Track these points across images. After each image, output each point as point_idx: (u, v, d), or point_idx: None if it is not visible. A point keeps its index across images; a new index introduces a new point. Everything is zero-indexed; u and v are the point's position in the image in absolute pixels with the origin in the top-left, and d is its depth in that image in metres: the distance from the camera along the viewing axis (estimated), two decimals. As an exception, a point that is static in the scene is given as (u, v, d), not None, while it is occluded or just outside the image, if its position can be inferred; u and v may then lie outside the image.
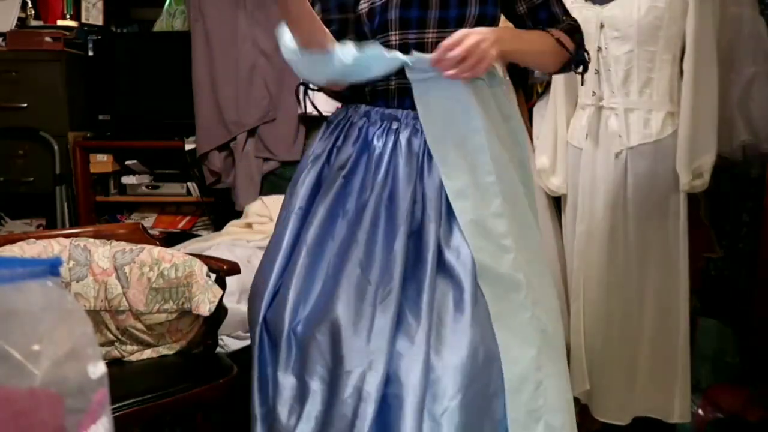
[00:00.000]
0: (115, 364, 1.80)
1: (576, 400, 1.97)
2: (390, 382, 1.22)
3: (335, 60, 1.29)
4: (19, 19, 3.35)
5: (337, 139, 1.43)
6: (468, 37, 1.24)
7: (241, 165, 3.25)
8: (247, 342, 2.19)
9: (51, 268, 0.62)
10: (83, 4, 3.48)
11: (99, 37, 3.43)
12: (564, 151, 2.27)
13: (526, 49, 1.39)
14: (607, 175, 2.10)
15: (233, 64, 3.22)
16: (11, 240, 1.82)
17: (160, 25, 3.50)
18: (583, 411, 2.17)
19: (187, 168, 3.38)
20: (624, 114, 2.06)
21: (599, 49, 2.08)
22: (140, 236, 1.99)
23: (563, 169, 2.27)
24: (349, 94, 1.46)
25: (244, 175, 3.25)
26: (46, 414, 0.59)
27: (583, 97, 2.20)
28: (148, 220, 3.45)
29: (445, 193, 1.33)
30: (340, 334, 1.26)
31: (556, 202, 2.46)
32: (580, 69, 1.48)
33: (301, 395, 1.28)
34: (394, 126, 1.39)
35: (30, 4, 3.40)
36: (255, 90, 3.22)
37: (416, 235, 1.33)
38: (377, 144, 1.38)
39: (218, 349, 1.95)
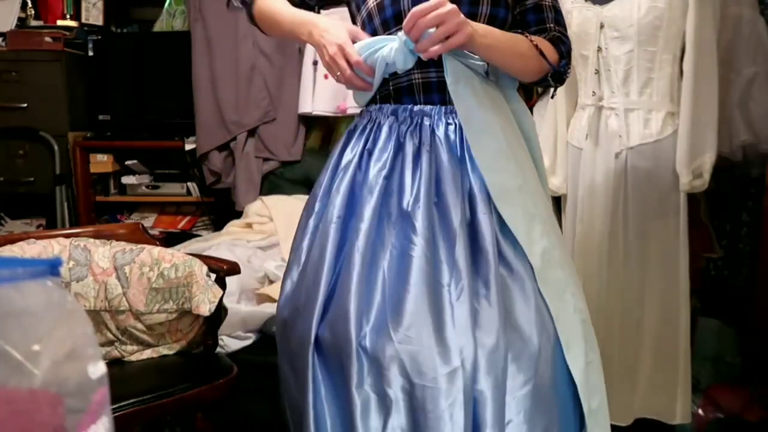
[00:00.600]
0: (115, 364, 1.80)
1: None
2: (477, 379, 1.21)
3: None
4: (19, 19, 3.35)
5: (366, 142, 1.39)
6: (442, 4, 1.17)
7: (241, 165, 3.25)
8: (248, 342, 2.20)
9: (51, 268, 0.62)
10: (83, 4, 3.49)
11: (99, 37, 3.44)
12: (564, 151, 2.27)
13: (496, 46, 1.30)
14: (607, 175, 2.10)
15: (233, 64, 3.22)
16: (11, 240, 1.82)
17: (160, 25, 3.50)
18: (583, 411, 2.17)
19: (187, 168, 3.39)
20: (624, 114, 2.06)
21: (599, 49, 2.08)
22: (140, 236, 1.99)
23: (563, 169, 2.27)
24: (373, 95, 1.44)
25: (244, 175, 3.25)
26: (46, 414, 0.59)
27: (583, 97, 2.20)
28: (148, 220, 3.46)
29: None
30: (422, 338, 1.21)
31: (556, 202, 2.46)
32: (557, 82, 1.43)
33: (383, 408, 1.22)
34: (427, 122, 1.36)
35: (30, 4, 3.41)
36: (255, 90, 3.22)
37: (471, 229, 1.30)
38: (414, 141, 1.35)
39: (218, 349, 1.95)
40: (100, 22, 3.51)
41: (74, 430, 0.60)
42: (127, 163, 3.43)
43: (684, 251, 2.06)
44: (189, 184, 3.42)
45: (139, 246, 1.85)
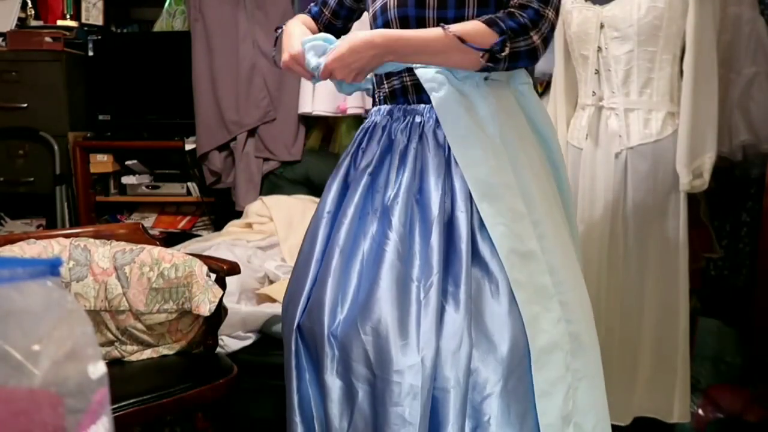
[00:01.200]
0: (115, 364, 1.80)
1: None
2: (437, 376, 1.22)
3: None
4: (19, 19, 3.35)
5: (361, 141, 1.45)
6: (335, 49, 1.27)
7: (241, 165, 3.25)
8: (248, 342, 2.20)
9: (51, 268, 0.62)
10: (83, 4, 3.49)
11: (99, 37, 3.44)
12: (564, 151, 2.26)
13: (409, 54, 1.29)
14: (607, 175, 2.10)
15: (233, 64, 3.22)
16: (11, 240, 1.82)
17: (160, 25, 3.50)
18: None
19: (187, 168, 3.39)
20: (624, 114, 2.06)
21: (599, 49, 2.08)
22: (140, 236, 1.99)
23: (563, 169, 2.27)
24: (373, 96, 1.51)
25: (244, 175, 3.25)
26: (46, 414, 0.59)
27: (583, 97, 2.20)
28: (148, 220, 3.46)
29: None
30: (388, 332, 1.24)
31: (556, 202, 2.46)
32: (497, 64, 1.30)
33: (349, 397, 1.27)
34: (418, 120, 1.39)
35: (30, 4, 3.41)
36: (255, 90, 3.22)
37: (449, 227, 1.31)
38: (401, 138, 1.39)
39: (218, 349, 1.95)
40: (100, 22, 3.52)
41: (74, 430, 0.60)
42: (127, 163, 3.44)
43: (684, 251, 2.06)
44: (189, 184, 3.42)
45: (139, 246, 1.85)
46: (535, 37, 1.28)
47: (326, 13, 1.58)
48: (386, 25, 1.39)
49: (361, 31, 1.31)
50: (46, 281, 0.61)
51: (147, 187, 3.45)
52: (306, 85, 3.10)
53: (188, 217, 3.48)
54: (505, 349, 1.24)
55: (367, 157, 1.41)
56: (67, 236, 1.88)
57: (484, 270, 1.30)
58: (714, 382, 2.38)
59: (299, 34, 1.39)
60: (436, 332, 1.23)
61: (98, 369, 0.62)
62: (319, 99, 3.08)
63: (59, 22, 3.40)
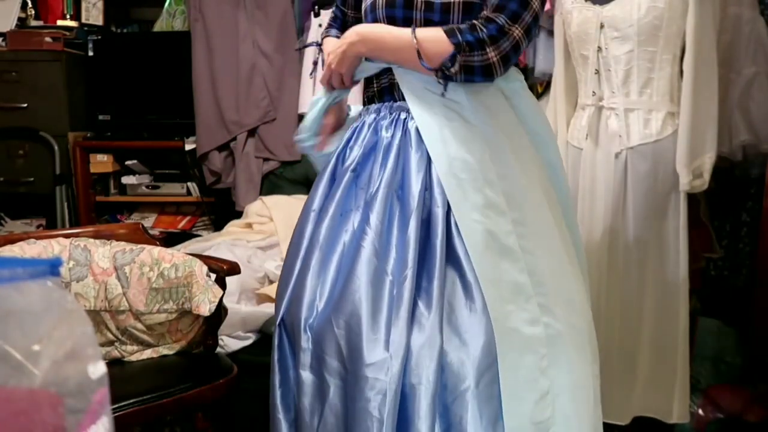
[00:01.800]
0: (115, 364, 1.80)
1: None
2: (406, 372, 1.21)
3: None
4: (19, 19, 3.35)
5: (349, 140, 1.46)
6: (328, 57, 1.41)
7: (241, 165, 3.25)
8: (248, 342, 2.20)
9: (51, 268, 0.62)
10: (83, 4, 3.49)
11: (99, 37, 3.44)
12: (564, 151, 2.26)
13: (380, 52, 1.37)
14: (607, 175, 2.10)
15: (233, 64, 3.22)
16: (11, 240, 1.82)
17: (160, 25, 3.50)
18: (583, 411, 2.17)
19: (187, 168, 3.39)
20: (624, 114, 2.06)
21: (599, 49, 2.08)
22: (140, 236, 1.99)
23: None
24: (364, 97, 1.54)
25: (244, 175, 3.25)
26: (46, 414, 0.59)
27: (583, 97, 2.20)
28: (148, 220, 3.46)
29: None
30: (360, 326, 1.24)
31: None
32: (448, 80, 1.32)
33: (321, 392, 1.27)
34: (402, 116, 1.40)
35: (30, 4, 3.41)
36: (255, 90, 3.22)
37: (426, 223, 1.32)
38: (386, 135, 1.40)
39: (218, 349, 1.95)
40: (100, 22, 3.52)
41: (74, 430, 0.60)
42: (127, 163, 3.43)
43: (684, 251, 2.06)
44: (189, 184, 3.42)
45: (139, 246, 1.85)
46: (492, 54, 1.27)
47: (349, 14, 1.60)
48: (375, 23, 1.42)
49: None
50: (46, 281, 0.61)
51: (147, 187, 3.45)
52: (306, 85, 3.10)
53: (188, 217, 3.48)
54: (477, 348, 1.23)
55: (352, 155, 1.42)
56: (67, 236, 1.88)
57: (459, 267, 1.29)
58: (714, 382, 2.38)
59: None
60: (408, 328, 1.23)
61: (98, 369, 0.62)
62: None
63: (59, 22, 3.40)
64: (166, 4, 3.49)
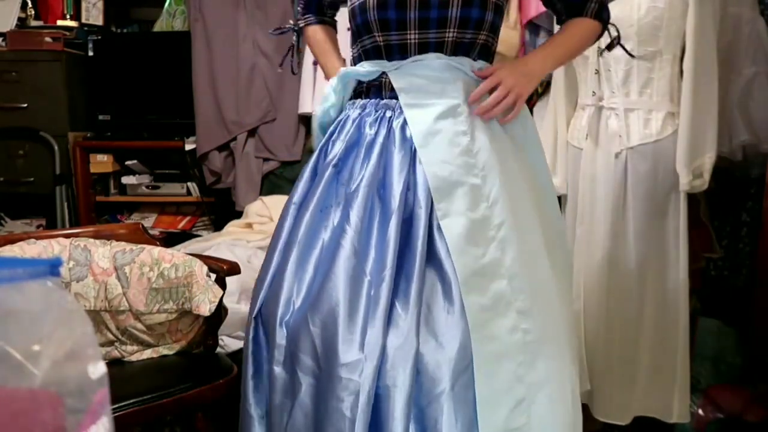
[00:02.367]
0: (115, 364, 1.80)
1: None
2: (381, 374, 1.21)
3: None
4: (19, 19, 3.35)
5: (332, 133, 1.46)
6: (505, 80, 1.34)
7: (241, 165, 3.25)
8: (247, 342, 2.20)
9: (51, 268, 0.62)
10: (83, 4, 3.49)
11: (99, 37, 3.44)
12: (564, 151, 2.27)
13: (558, 63, 1.53)
14: (607, 175, 2.10)
15: (233, 64, 3.22)
16: (11, 240, 1.82)
17: (160, 25, 3.50)
18: (583, 411, 2.17)
19: (187, 168, 3.38)
20: (624, 114, 2.06)
21: (599, 49, 2.08)
22: (140, 236, 1.99)
23: (563, 169, 2.27)
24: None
25: (244, 175, 3.25)
26: (46, 414, 0.59)
27: (583, 97, 2.20)
28: (148, 220, 3.45)
29: None
30: (336, 326, 1.24)
31: (556, 202, 2.46)
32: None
33: (292, 390, 1.27)
34: (388, 114, 1.40)
35: (30, 4, 3.41)
36: (255, 90, 3.22)
37: (407, 223, 1.31)
38: (369, 132, 1.39)
39: (218, 349, 1.95)
40: (100, 22, 3.51)
41: (74, 430, 0.60)
42: (127, 163, 3.43)
43: (684, 251, 2.06)
44: (189, 184, 3.42)
45: (139, 246, 1.85)
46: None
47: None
48: (365, 25, 1.39)
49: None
50: (46, 281, 0.61)
51: (147, 187, 3.45)
52: (306, 85, 3.10)
53: (188, 217, 3.48)
54: (453, 351, 1.22)
55: (334, 150, 1.42)
56: (67, 236, 1.88)
57: (439, 270, 1.28)
58: (714, 382, 2.38)
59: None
60: (384, 329, 1.22)
61: (98, 369, 0.62)
62: (319, 99, 3.07)
63: (59, 22, 3.40)
64: (166, 4, 3.49)
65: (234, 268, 1.90)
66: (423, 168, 1.32)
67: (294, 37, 1.68)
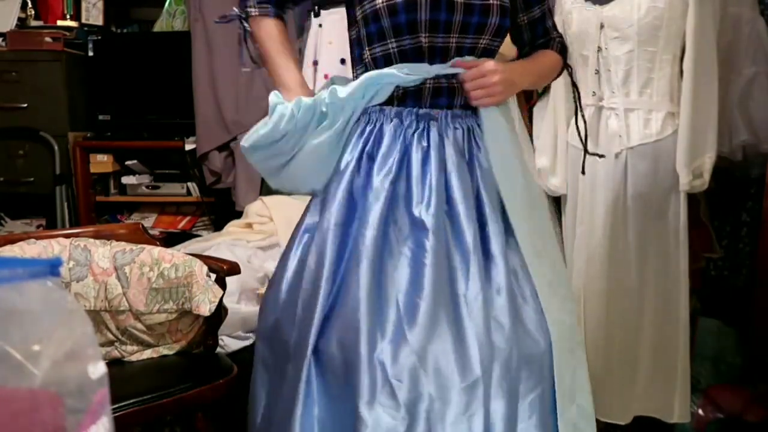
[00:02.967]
0: (115, 364, 1.80)
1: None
2: (491, 388, 1.23)
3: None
4: (19, 19, 3.35)
5: (365, 145, 1.34)
6: (494, 74, 1.32)
7: (241, 165, 3.25)
8: (248, 342, 2.20)
9: (51, 268, 0.62)
10: (83, 4, 3.49)
11: (99, 37, 3.44)
12: (564, 151, 2.27)
13: (532, 82, 1.53)
14: (607, 175, 2.10)
15: (233, 64, 3.21)
16: (11, 240, 1.82)
17: (160, 25, 3.50)
18: (583, 411, 2.17)
19: (187, 168, 3.38)
20: (624, 114, 2.06)
21: (599, 49, 2.08)
22: (140, 236, 1.99)
23: (563, 169, 2.27)
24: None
25: (244, 175, 3.25)
26: (46, 414, 0.59)
27: (583, 98, 2.19)
28: (148, 220, 3.45)
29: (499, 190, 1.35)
30: (442, 353, 1.19)
31: (556, 202, 2.46)
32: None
33: (399, 423, 1.16)
34: (434, 126, 1.34)
35: (30, 4, 3.41)
36: (255, 90, 3.22)
37: (481, 235, 1.30)
38: (422, 145, 1.32)
39: (218, 349, 1.95)
40: (100, 22, 3.51)
41: (74, 430, 0.60)
42: (127, 163, 3.43)
43: (684, 251, 2.06)
44: (189, 184, 3.42)
45: (139, 246, 1.85)
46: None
47: None
48: (410, 25, 1.30)
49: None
50: (46, 281, 0.61)
51: (147, 187, 3.45)
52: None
53: (188, 217, 3.48)
54: (542, 350, 1.28)
55: (383, 165, 1.30)
56: (67, 236, 1.88)
57: (515, 275, 1.32)
58: (714, 382, 2.38)
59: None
60: (490, 346, 1.22)
61: (98, 369, 0.62)
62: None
63: (59, 22, 3.40)
64: (166, 4, 3.49)
65: (234, 268, 1.90)
66: (480, 176, 1.34)
67: (240, 28, 1.50)
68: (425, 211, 1.27)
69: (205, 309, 1.75)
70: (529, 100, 2.67)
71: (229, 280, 1.92)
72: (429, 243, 1.25)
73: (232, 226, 2.93)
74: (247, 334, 2.21)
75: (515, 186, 1.34)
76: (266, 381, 1.38)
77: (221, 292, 1.80)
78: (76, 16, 3.48)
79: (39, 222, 3.44)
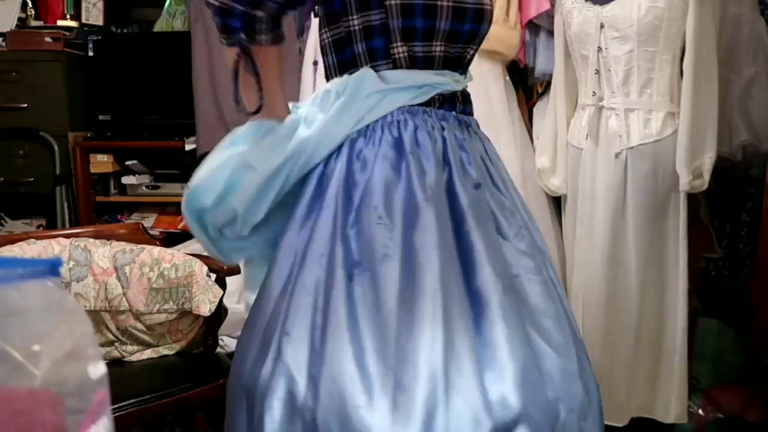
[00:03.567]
0: (115, 365, 1.80)
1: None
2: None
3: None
4: (19, 19, 3.35)
5: (408, 151, 1.20)
6: None
7: (241, 165, 3.25)
8: (247, 342, 2.19)
9: (51, 268, 0.62)
10: (83, 4, 3.49)
11: (99, 37, 3.43)
12: (564, 151, 2.27)
13: None
14: (607, 175, 2.10)
15: (233, 64, 3.22)
16: (11, 240, 1.82)
17: (160, 25, 3.50)
18: (583, 411, 2.17)
19: (187, 168, 3.38)
20: (624, 114, 2.06)
21: (599, 49, 2.08)
22: (140, 236, 1.99)
23: (563, 169, 2.27)
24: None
25: (244, 175, 3.24)
26: (46, 414, 0.59)
27: (583, 97, 2.20)
28: (149, 221, 3.45)
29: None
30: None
31: (556, 202, 2.46)
32: None
33: None
34: (462, 135, 1.24)
35: (30, 4, 3.41)
36: (255, 90, 3.22)
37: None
38: (457, 158, 1.21)
39: (218, 349, 1.95)
40: (100, 22, 3.51)
41: (74, 430, 0.60)
42: (127, 163, 3.43)
43: (684, 251, 2.06)
44: (189, 184, 3.41)
45: (140, 246, 1.85)
46: None
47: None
48: (430, 32, 1.18)
49: None
50: (46, 281, 0.61)
51: (147, 187, 3.44)
52: (306, 85, 3.10)
53: (188, 218, 3.47)
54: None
55: (423, 180, 1.16)
56: (67, 236, 1.88)
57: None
58: (714, 382, 2.38)
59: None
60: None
61: (98, 369, 0.62)
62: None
63: (59, 22, 3.40)
64: (166, 4, 3.49)
65: (234, 268, 1.90)
66: (496, 197, 1.26)
67: (237, 53, 1.28)
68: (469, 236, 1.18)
69: (205, 309, 1.75)
70: (529, 100, 2.68)
71: (229, 280, 1.92)
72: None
73: (232, 226, 2.93)
74: (247, 334, 2.21)
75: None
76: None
77: (221, 292, 1.81)
78: (76, 16, 3.48)
79: (39, 222, 3.44)
